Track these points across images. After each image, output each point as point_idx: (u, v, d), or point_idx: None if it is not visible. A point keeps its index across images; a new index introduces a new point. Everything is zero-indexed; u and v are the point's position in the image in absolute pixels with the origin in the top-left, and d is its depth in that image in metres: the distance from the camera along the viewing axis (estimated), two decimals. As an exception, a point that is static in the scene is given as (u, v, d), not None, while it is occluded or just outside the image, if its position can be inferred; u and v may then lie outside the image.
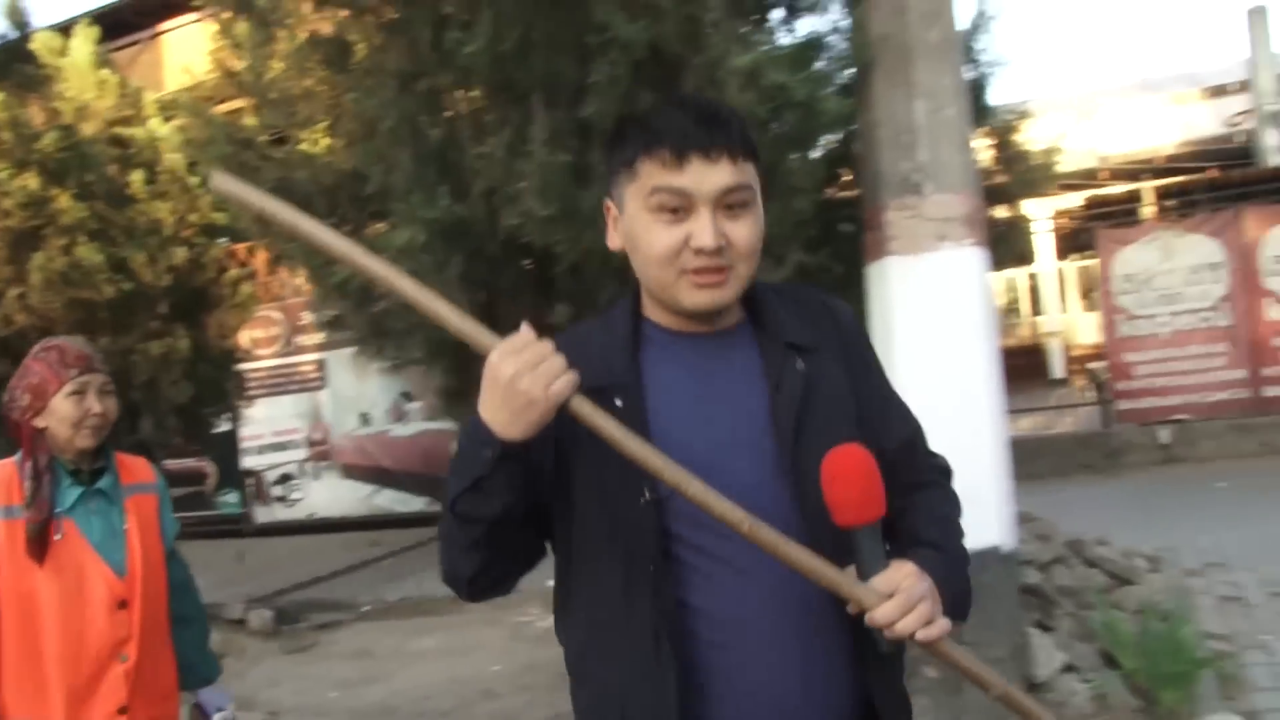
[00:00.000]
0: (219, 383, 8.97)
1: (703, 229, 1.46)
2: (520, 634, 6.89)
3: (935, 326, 4.12)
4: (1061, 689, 4.36)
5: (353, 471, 12.89)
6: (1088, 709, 4.27)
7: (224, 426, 12.30)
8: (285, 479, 13.24)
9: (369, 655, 6.95)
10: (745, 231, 1.50)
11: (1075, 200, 14.68)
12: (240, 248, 9.55)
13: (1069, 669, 4.46)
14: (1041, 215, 16.72)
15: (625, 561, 1.51)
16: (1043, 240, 18.25)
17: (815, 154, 5.42)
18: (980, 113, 5.52)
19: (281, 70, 5.01)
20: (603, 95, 3.94)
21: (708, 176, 1.47)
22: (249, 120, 5.36)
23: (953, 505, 1.68)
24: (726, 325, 1.59)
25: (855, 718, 1.55)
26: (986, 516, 4.17)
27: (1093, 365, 14.54)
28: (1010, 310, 24.95)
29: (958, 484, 4.22)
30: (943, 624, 1.40)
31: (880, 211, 4.19)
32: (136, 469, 2.52)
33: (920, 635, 1.39)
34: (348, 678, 6.42)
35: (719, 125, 1.49)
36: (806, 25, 4.88)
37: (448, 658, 6.61)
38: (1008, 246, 5.48)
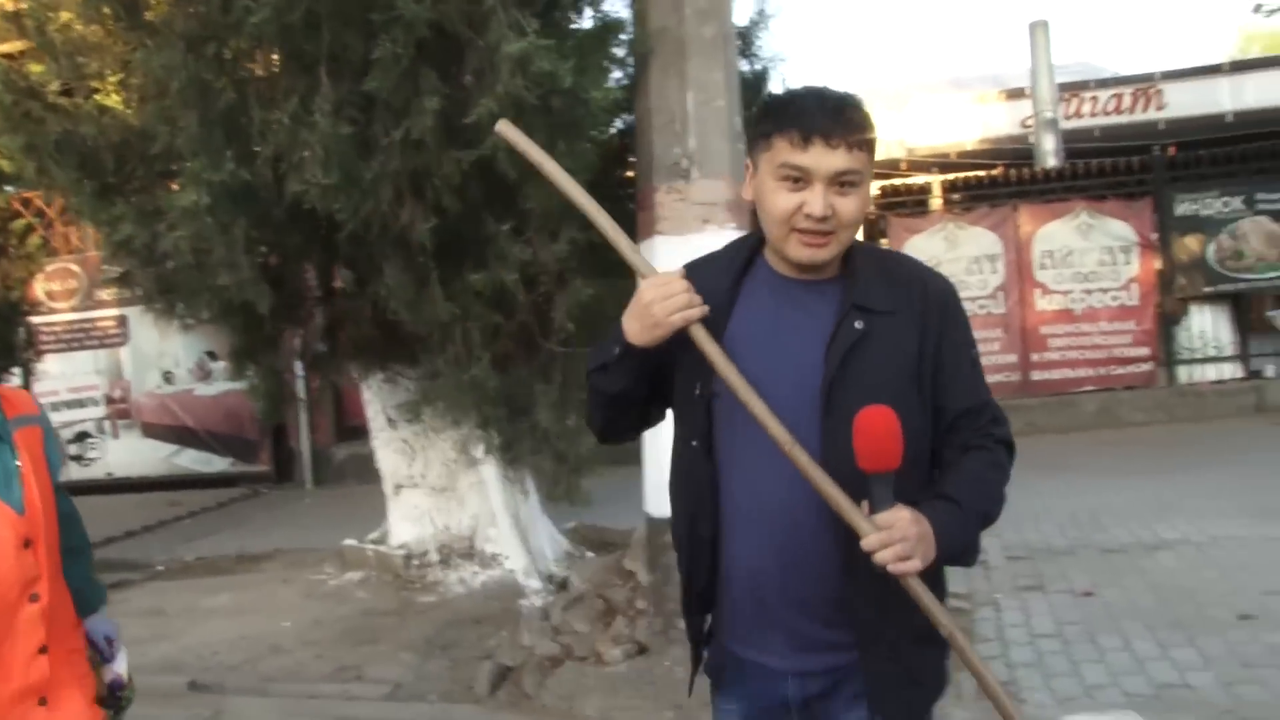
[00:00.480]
0: (6, 336, 8.68)
1: (815, 199, 1.79)
2: (314, 592, 6.96)
3: (696, 304, 4.42)
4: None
5: (154, 430, 12.58)
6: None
7: (14, 381, 11.86)
8: (82, 437, 12.81)
9: (160, 613, 6.90)
10: (850, 206, 1.82)
11: (884, 188, 15.33)
12: (35, 196, 9.21)
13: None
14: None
15: (686, 434, 1.95)
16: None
17: (609, 135, 5.68)
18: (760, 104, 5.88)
19: (70, 18, 4.95)
20: (386, 71, 4.08)
21: (825, 159, 1.78)
22: (34, 67, 5.26)
23: (995, 469, 1.90)
24: (822, 277, 1.91)
25: (830, 633, 1.87)
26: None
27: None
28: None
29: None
30: (913, 564, 1.68)
31: (651, 193, 4.47)
32: (19, 401, 2.31)
33: (891, 567, 1.67)
34: (136, 635, 6.37)
35: (842, 118, 1.80)
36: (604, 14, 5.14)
37: (239, 615, 6.64)
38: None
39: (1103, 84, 17.42)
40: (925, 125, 17.23)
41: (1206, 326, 12.01)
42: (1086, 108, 16.83)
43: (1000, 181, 12.22)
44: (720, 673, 2.03)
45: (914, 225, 11.86)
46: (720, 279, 1.93)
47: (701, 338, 1.82)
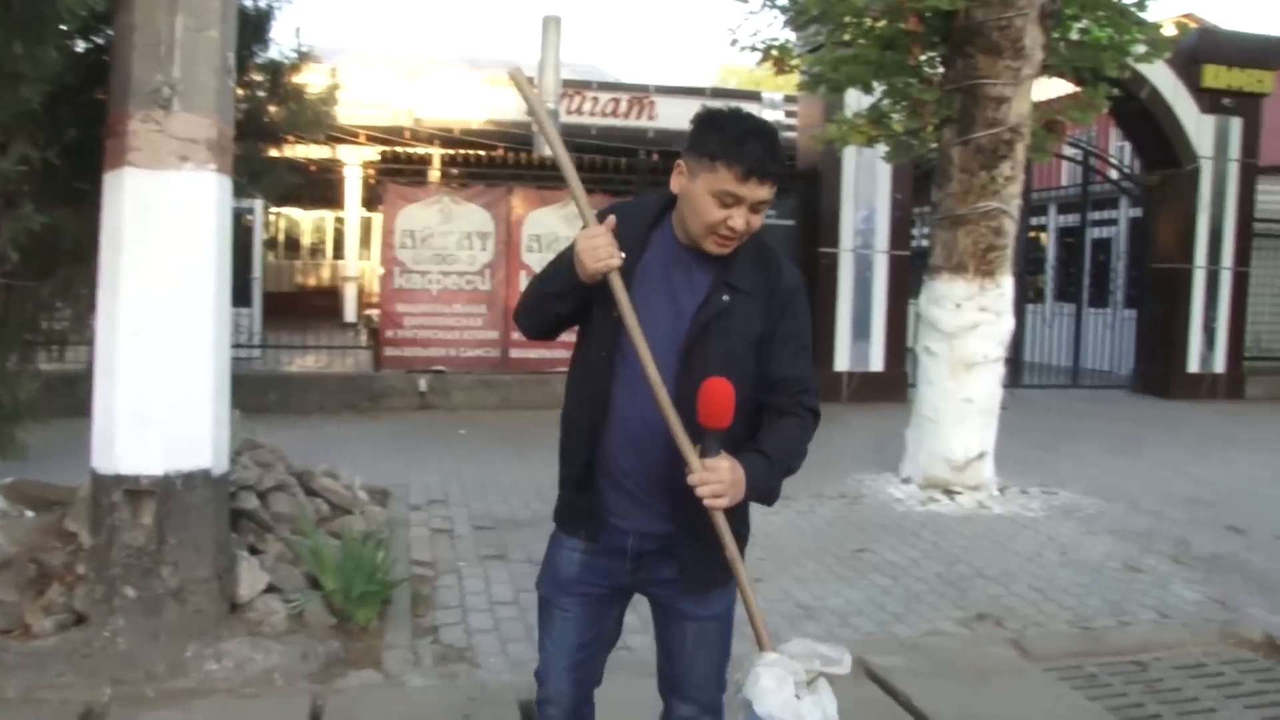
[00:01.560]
0: None
1: (739, 219, 2.31)
2: None
3: (166, 246, 4.05)
4: (262, 608, 4.52)
5: None
6: (284, 626, 4.47)
7: None
8: None
9: None
10: (757, 222, 2.36)
11: (385, 154, 15.18)
12: None
13: (272, 590, 4.64)
14: (352, 163, 17.16)
15: (597, 346, 2.46)
16: (351, 188, 18.74)
17: (88, 48, 5.10)
18: (260, 46, 5.56)
19: None
20: None
21: (755, 192, 2.29)
22: None
23: (800, 430, 2.43)
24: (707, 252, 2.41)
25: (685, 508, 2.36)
26: (200, 440, 4.22)
27: (370, 312, 15.20)
28: (315, 252, 25.24)
29: (171, 407, 4.21)
30: (723, 502, 2.23)
31: (124, 119, 4.04)
32: None
33: (706, 501, 2.22)
34: None
35: (776, 161, 2.30)
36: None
37: None
38: (271, 182, 5.57)
39: (604, 87, 18.58)
40: (436, 98, 17.36)
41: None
42: (588, 106, 17.87)
43: (499, 163, 12.53)
44: (577, 520, 2.56)
45: (411, 195, 11.82)
46: (639, 227, 2.44)
47: (616, 285, 2.31)
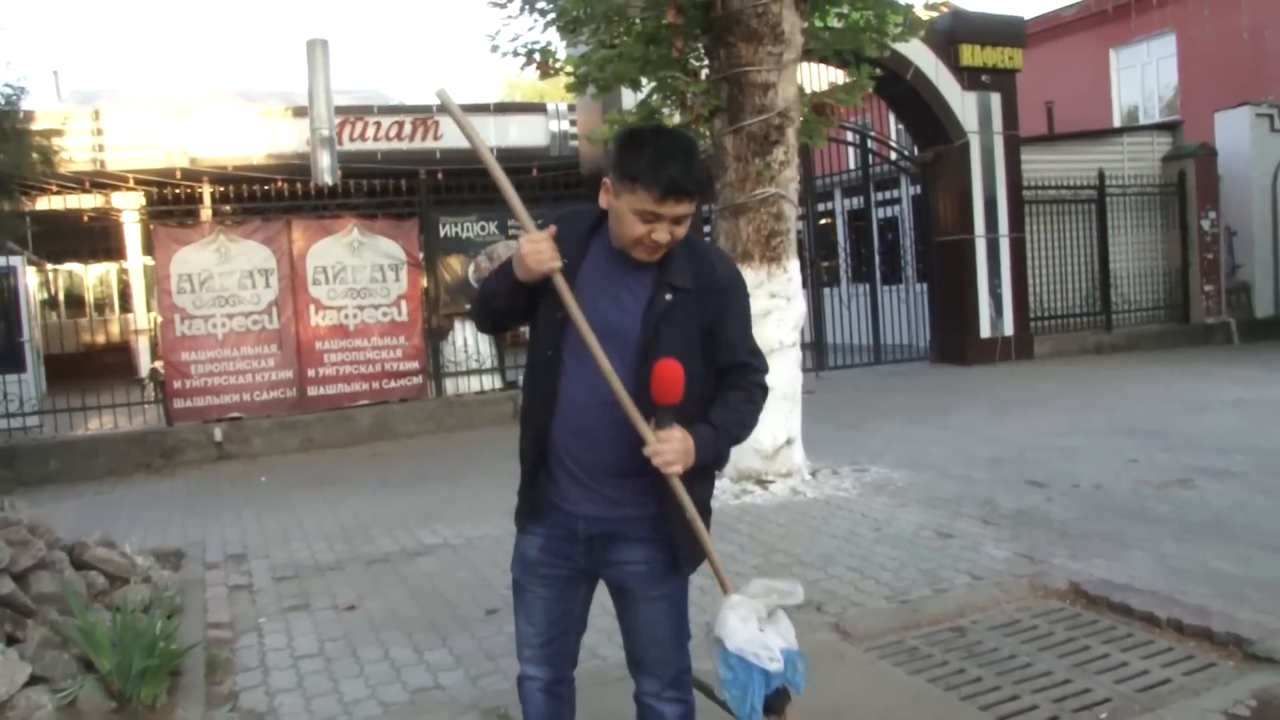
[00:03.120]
0: None
1: (661, 233, 2.50)
2: None
3: None
4: (24, 705, 4.05)
5: None
6: (55, 720, 4.07)
7: None
8: None
9: None
10: (680, 233, 2.55)
11: (149, 195, 14.44)
12: None
13: (37, 681, 4.20)
14: (129, 209, 16.26)
15: (545, 345, 2.66)
16: (131, 236, 17.77)
17: None
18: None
19: None
20: None
21: (674, 209, 2.47)
22: None
23: (746, 403, 2.67)
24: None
25: (631, 494, 2.65)
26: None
27: (156, 364, 14.44)
28: (103, 307, 23.94)
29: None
30: (675, 468, 2.47)
31: None
32: None
33: (661, 469, 2.47)
34: None
35: (692, 180, 2.46)
36: None
37: None
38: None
39: (386, 110, 18.31)
40: (210, 136, 16.70)
41: (469, 341, 12.86)
42: (370, 131, 17.57)
43: (274, 196, 12.03)
44: (533, 509, 2.77)
45: (184, 236, 11.22)
46: (578, 233, 2.64)
47: (560, 285, 2.50)
